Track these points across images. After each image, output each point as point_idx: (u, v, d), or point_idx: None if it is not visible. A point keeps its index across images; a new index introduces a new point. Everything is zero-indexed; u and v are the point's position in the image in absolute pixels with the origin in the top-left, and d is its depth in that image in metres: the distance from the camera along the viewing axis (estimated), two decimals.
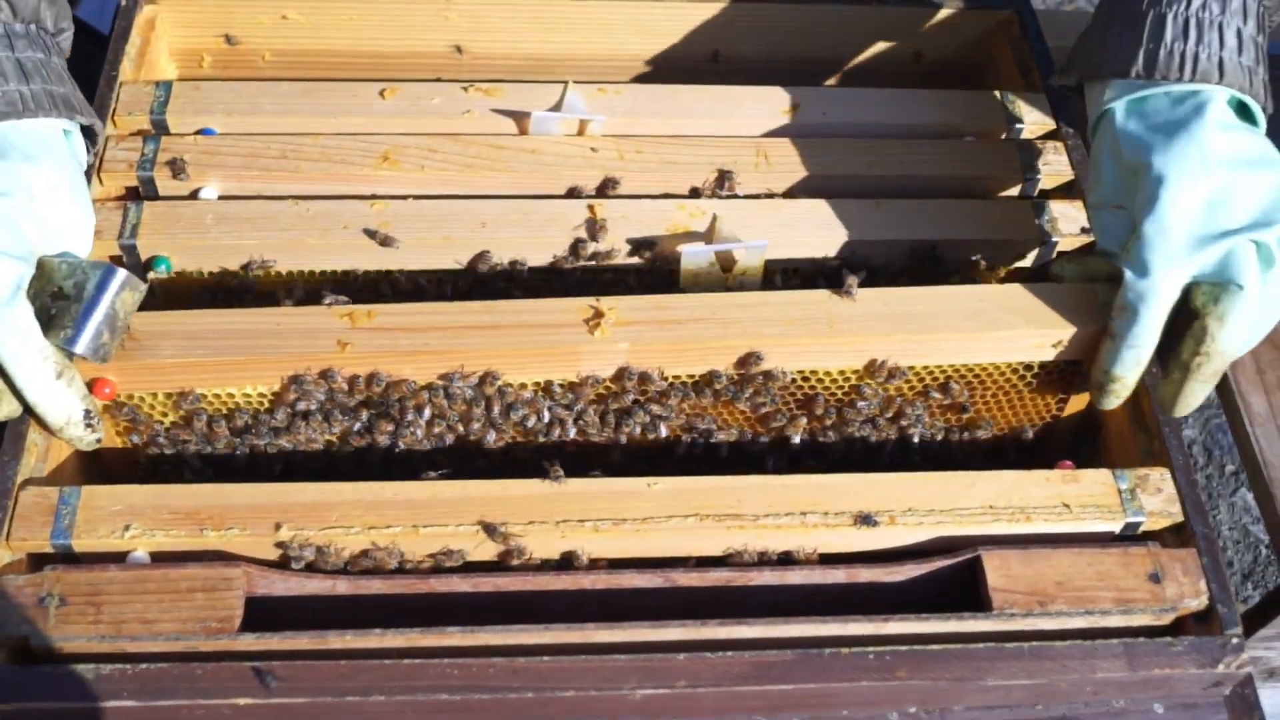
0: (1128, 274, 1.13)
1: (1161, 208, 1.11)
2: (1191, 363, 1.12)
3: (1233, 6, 1.15)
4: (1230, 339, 1.10)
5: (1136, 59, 1.15)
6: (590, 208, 1.30)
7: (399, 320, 1.17)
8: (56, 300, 1.09)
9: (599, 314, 1.17)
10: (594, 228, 1.28)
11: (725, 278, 1.30)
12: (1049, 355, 1.21)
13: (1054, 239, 1.33)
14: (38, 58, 1.13)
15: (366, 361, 1.16)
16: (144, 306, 1.15)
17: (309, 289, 1.29)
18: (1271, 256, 1.09)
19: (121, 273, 1.11)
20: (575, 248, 1.28)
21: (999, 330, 1.18)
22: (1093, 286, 1.20)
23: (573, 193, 1.33)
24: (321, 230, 1.27)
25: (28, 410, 1.09)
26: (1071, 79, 1.23)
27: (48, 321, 1.08)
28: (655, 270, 1.30)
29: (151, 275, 1.26)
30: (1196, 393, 1.14)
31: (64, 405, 1.10)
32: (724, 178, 1.34)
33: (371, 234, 1.26)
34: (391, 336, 1.16)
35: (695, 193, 1.34)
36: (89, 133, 1.20)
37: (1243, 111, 1.16)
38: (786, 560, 1.13)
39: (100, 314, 1.09)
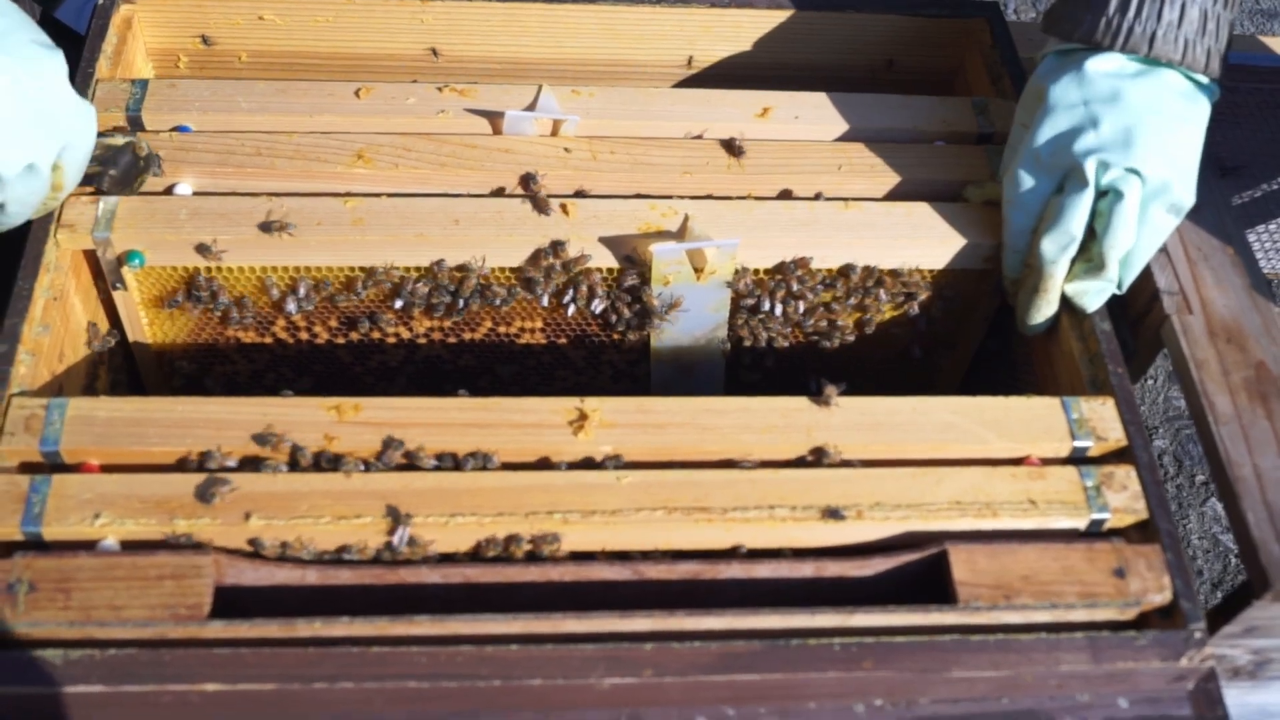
0: (1004, 184, 1.31)
1: (1036, 128, 1.27)
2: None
3: None
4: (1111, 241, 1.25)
5: (1081, 26, 1.26)
6: (563, 206, 1.31)
7: (386, 415, 1.16)
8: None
9: (583, 416, 1.17)
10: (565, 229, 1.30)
11: (697, 276, 1.31)
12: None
13: None
14: None
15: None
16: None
17: (282, 290, 1.31)
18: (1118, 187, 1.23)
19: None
20: (547, 249, 1.29)
21: (971, 443, 1.19)
22: (1062, 405, 1.22)
23: (524, 181, 1.34)
24: (295, 227, 1.27)
25: None
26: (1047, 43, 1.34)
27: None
28: (628, 272, 1.32)
29: (125, 270, 1.27)
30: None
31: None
32: (733, 147, 1.38)
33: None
34: (378, 431, 1.15)
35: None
36: None
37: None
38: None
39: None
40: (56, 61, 1.15)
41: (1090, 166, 1.23)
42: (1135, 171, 1.23)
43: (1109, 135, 1.23)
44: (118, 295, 1.31)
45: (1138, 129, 1.23)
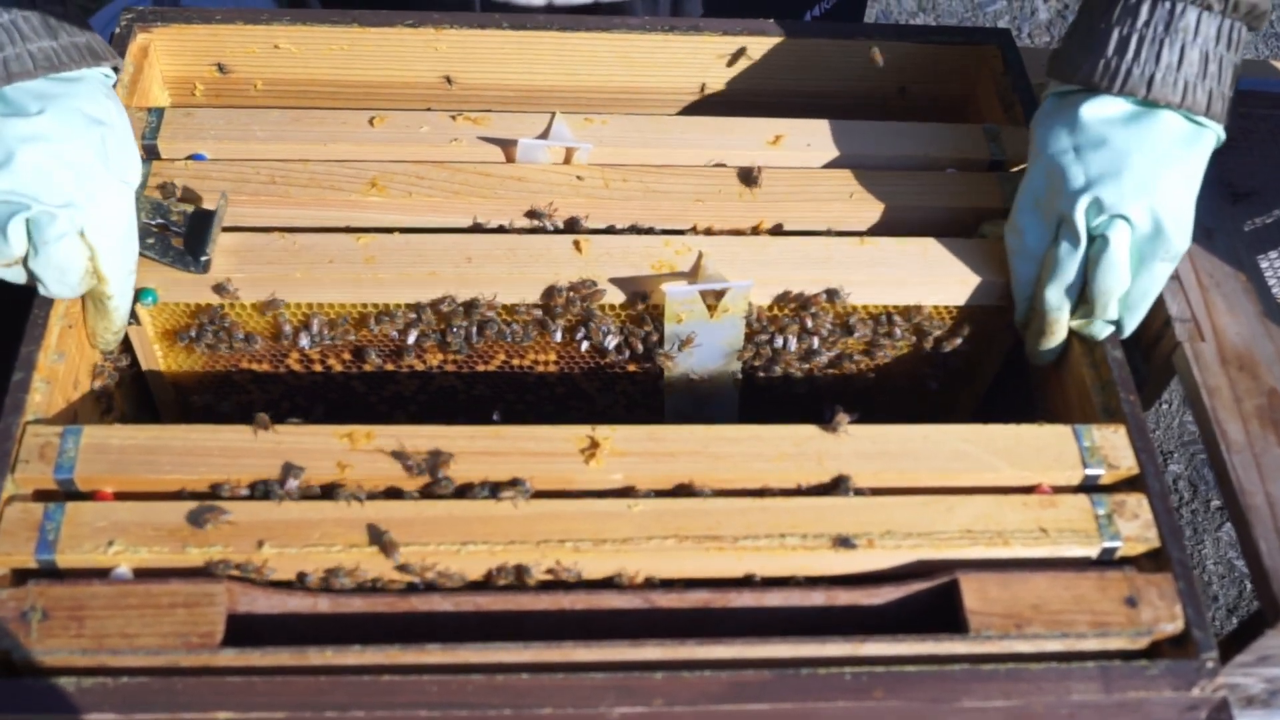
0: (1006, 233, 1.31)
1: (1030, 175, 1.28)
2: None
3: (1181, 25, 1.21)
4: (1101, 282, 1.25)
5: (1080, 69, 1.25)
6: (576, 243, 1.32)
7: (398, 443, 1.16)
8: (163, 231, 1.27)
9: (595, 444, 1.17)
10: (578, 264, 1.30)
11: (710, 314, 1.31)
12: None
13: None
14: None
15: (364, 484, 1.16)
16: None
17: (295, 325, 1.31)
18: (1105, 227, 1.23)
19: (223, 196, 1.29)
20: (561, 286, 1.30)
21: (982, 472, 1.19)
22: (1074, 433, 1.22)
23: (532, 214, 1.34)
24: (307, 264, 1.28)
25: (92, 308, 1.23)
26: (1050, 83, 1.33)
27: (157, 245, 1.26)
28: (641, 310, 1.33)
29: (138, 306, 1.27)
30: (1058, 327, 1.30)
31: (126, 314, 1.26)
32: (749, 177, 1.39)
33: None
34: (390, 459, 1.15)
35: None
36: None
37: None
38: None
39: (216, 236, 1.27)
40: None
41: (1079, 214, 1.23)
42: (1123, 217, 1.21)
43: (1096, 182, 1.22)
44: (131, 330, 1.32)
45: (1124, 175, 1.21)
